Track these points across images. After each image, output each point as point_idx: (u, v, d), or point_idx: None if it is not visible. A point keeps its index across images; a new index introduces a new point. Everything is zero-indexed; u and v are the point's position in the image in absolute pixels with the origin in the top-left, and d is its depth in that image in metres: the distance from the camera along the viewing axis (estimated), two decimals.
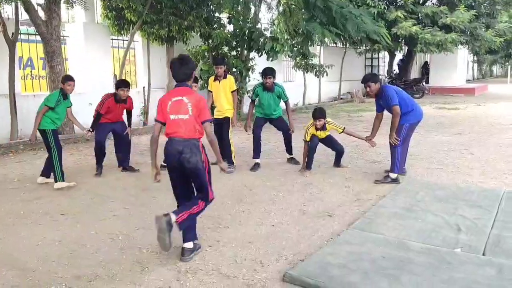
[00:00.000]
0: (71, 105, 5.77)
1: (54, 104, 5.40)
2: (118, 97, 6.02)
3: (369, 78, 5.56)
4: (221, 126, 6.34)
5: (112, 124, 6.12)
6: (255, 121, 6.57)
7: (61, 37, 9.02)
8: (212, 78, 6.54)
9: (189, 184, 3.49)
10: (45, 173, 5.67)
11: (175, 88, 3.47)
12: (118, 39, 11.07)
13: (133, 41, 10.48)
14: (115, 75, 10.61)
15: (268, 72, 6.29)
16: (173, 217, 3.20)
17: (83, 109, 9.51)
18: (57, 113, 5.49)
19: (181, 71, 3.43)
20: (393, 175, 5.51)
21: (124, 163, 6.31)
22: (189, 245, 3.43)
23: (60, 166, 5.42)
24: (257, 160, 6.42)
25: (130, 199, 5.00)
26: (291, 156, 6.73)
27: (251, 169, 6.28)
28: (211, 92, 6.50)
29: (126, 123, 6.35)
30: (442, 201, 4.68)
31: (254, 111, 6.63)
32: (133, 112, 10.14)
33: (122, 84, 6.14)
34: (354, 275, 3.03)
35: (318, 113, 5.99)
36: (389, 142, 5.54)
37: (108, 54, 10.54)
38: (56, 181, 5.42)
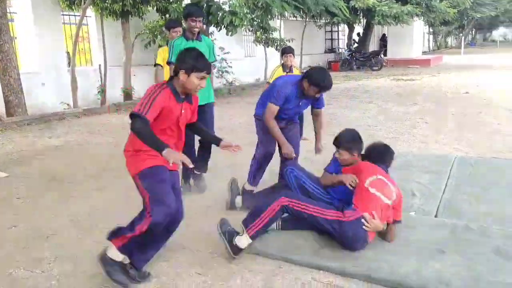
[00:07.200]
0: None
1: None
2: None
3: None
4: None
5: None
6: None
7: (8, 14, 8.52)
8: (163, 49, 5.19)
9: None
10: None
11: None
12: (69, 15, 10.57)
13: (86, 16, 10.03)
14: (68, 53, 10.19)
15: None
16: None
17: (35, 89, 9.15)
18: None
19: None
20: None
21: None
22: None
23: None
24: None
25: (90, 180, 4.89)
26: None
27: None
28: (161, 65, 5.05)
29: None
30: (398, 169, 4.82)
31: None
32: (90, 91, 10.05)
33: None
34: None
35: (287, 48, 6.06)
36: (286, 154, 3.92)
37: (60, 31, 10.05)
38: None
